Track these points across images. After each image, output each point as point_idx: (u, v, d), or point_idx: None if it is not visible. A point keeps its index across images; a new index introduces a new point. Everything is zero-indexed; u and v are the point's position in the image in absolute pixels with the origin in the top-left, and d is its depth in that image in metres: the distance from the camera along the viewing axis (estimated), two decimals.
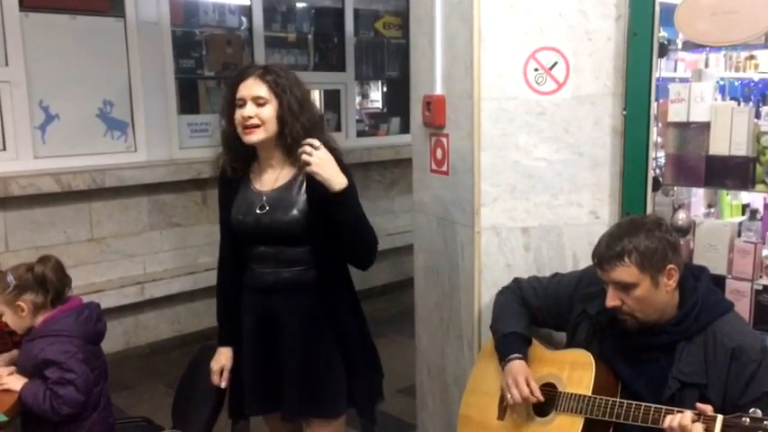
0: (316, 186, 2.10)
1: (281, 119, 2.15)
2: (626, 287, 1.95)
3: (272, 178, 2.24)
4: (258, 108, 2.13)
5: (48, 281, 2.33)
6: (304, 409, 2.24)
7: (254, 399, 2.30)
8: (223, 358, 2.35)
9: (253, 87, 2.15)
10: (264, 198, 2.21)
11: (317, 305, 2.22)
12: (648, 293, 1.94)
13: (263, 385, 2.27)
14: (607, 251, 1.97)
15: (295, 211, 2.17)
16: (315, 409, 2.25)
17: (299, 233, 2.18)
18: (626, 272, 1.94)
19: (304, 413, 2.26)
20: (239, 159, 2.26)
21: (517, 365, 2.17)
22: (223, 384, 2.34)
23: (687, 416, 1.76)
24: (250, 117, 2.13)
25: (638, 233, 1.95)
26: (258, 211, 2.20)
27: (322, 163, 2.03)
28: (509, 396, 2.14)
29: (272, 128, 2.15)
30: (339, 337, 2.24)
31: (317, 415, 2.26)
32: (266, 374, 2.26)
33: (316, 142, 2.03)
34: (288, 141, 2.15)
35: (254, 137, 2.15)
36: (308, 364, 2.22)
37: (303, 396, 2.23)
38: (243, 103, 2.15)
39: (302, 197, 2.18)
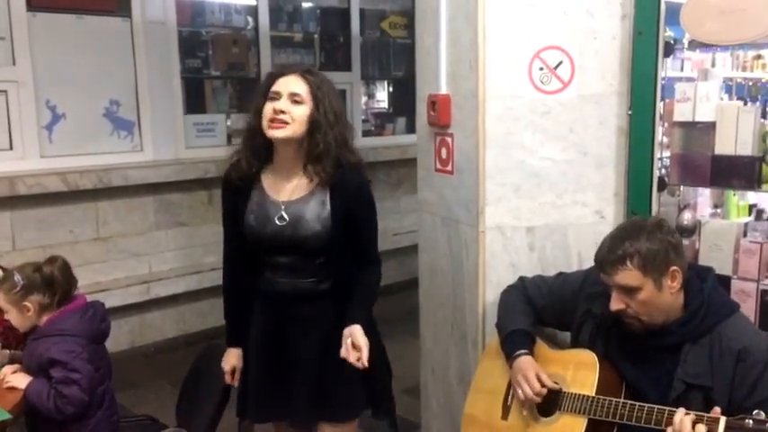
0: (340, 203, 2.11)
1: (313, 123, 2.07)
2: (629, 291, 1.94)
3: (288, 187, 2.17)
4: (292, 105, 2.06)
5: (56, 282, 2.32)
6: (315, 413, 2.20)
7: (262, 406, 2.25)
8: (233, 358, 2.31)
9: (292, 83, 2.07)
10: (283, 208, 2.15)
11: (332, 314, 2.18)
12: (652, 296, 1.93)
13: (272, 393, 2.23)
14: (609, 255, 1.96)
15: (318, 226, 2.13)
16: (326, 414, 2.21)
17: (318, 245, 2.14)
18: (628, 276, 1.93)
19: (315, 417, 2.22)
20: (257, 157, 2.17)
21: (525, 361, 2.17)
22: (236, 384, 2.31)
23: (687, 420, 1.75)
24: (282, 111, 2.04)
25: (639, 236, 1.94)
26: (278, 223, 2.14)
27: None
28: (519, 392, 2.13)
29: (299, 129, 2.07)
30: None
31: (328, 419, 2.22)
32: (275, 382, 2.22)
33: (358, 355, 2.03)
34: (319, 148, 2.08)
35: (279, 132, 2.05)
36: (323, 371, 2.17)
37: (315, 401, 2.18)
38: (277, 97, 2.07)
39: (326, 211, 2.13)
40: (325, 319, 2.18)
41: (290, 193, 2.16)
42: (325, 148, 2.08)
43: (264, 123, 2.07)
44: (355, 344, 2.04)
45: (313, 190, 2.15)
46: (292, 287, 2.18)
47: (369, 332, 2.26)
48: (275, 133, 2.06)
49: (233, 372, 2.31)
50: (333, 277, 2.18)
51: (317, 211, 2.13)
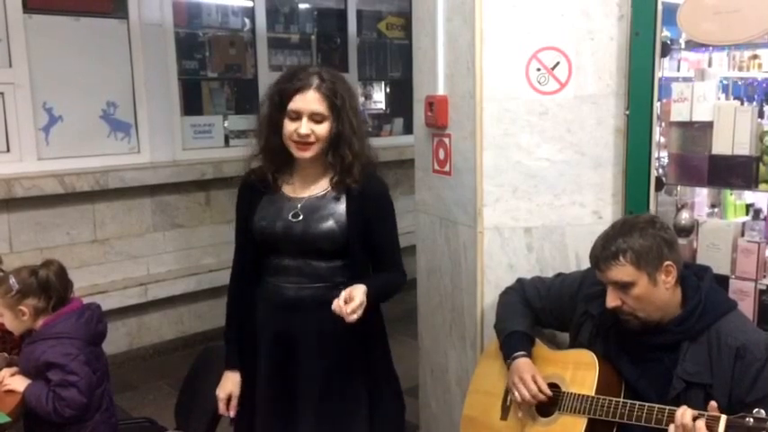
0: (357, 205, 2.06)
1: (337, 136, 2.04)
2: (624, 286, 1.95)
3: (306, 185, 2.12)
4: (315, 124, 2.01)
5: (51, 286, 2.32)
6: None
7: (268, 421, 2.15)
8: (230, 384, 2.19)
9: (312, 102, 2.01)
10: (299, 205, 2.09)
11: (340, 326, 1.92)
12: (647, 291, 1.94)
13: (277, 408, 2.13)
14: (602, 252, 1.98)
15: (331, 222, 2.06)
16: None
17: (332, 246, 2.07)
18: (622, 271, 1.94)
19: None
20: (279, 170, 2.14)
21: (522, 363, 2.17)
22: (231, 413, 2.19)
23: (687, 414, 1.76)
24: (307, 135, 2.01)
25: (632, 232, 1.96)
26: (291, 219, 2.07)
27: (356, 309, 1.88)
28: (516, 395, 2.13)
29: (324, 144, 2.04)
30: (364, 363, 2.12)
31: None
32: (281, 396, 2.12)
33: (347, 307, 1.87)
34: (348, 160, 2.05)
35: (307, 154, 2.03)
36: (328, 388, 2.09)
37: (320, 422, 2.09)
38: (297, 117, 2.01)
39: (341, 208, 2.08)
40: (334, 330, 2.01)
41: (308, 191, 2.12)
42: (353, 157, 2.06)
43: (290, 144, 2.04)
44: (351, 294, 1.89)
45: (331, 189, 2.11)
46: (298, 293, 2.09)
47: (384, 357, 2.21)
48: (304, 155, 2.04)
49: (228, 399, 2.19)
50: (346, 285, 2.02)
51: (332, 208, 2.08)
